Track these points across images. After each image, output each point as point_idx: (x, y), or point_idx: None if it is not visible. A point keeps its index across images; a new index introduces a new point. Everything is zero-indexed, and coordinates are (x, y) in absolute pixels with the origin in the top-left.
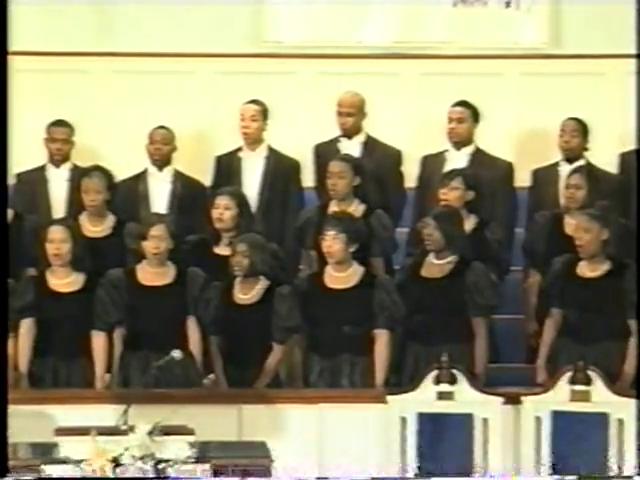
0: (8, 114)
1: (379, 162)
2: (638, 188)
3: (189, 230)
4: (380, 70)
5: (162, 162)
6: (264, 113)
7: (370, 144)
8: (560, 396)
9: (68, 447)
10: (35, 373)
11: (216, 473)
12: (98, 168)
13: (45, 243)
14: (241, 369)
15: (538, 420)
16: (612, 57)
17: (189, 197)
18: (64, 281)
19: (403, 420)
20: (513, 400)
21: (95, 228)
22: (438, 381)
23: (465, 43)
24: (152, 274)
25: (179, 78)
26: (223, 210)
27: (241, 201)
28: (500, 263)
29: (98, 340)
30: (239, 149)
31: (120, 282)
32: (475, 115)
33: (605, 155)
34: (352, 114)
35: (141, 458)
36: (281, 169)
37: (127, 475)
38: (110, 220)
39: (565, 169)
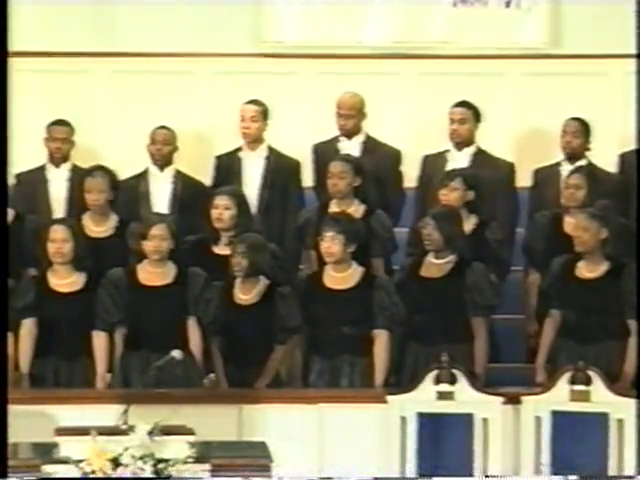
0: (8, 114)
1: (379, 162)
2: (638, 188)
3: (190, 230)
4: (380, 70)
5: (163, 162)
6: (264, 113)
7: (370, 144)
8: (560, 396)
9: (68, 447)
10: (36, 373)
11: (216, 473)
12: (101, 168)
13: (47, 243)
14: (241, 369)
15: (538, 420)
16: (612, 57)
17: (190, 197)
18: (65, 281)
19: (403, 420)
20: (513, 400)
21: (98, 228)
22: (438, 381)
23: (465, 43)
24: (153, 274)
25: (179, 78)
26: (222, 210)
27: (240, 201)
28: (500, 263)
29: (99, 340)
30: (239, 149)
31: (121, 282)
32: (476, 115)
33: (606, 155)
34: (352, 116)
35: (141, 458)
36: (281, 169)
37: (127, 475)
38: (113, 220)
39: (566, 169)
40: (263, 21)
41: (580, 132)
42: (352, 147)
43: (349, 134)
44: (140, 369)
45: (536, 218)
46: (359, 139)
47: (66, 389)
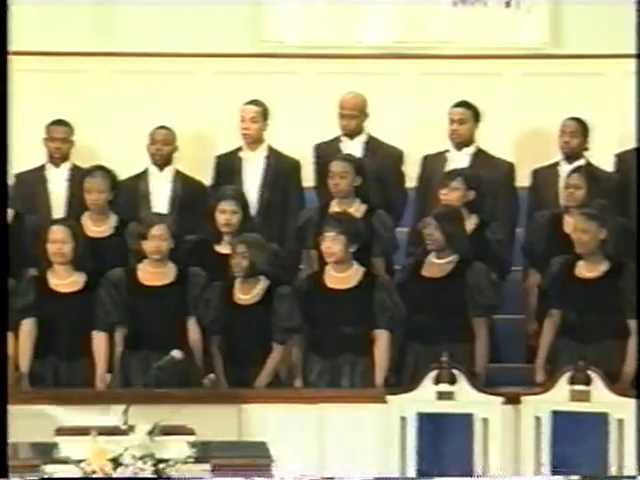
0: (8, 114)
1: (381, 162)
2: (638, 188)
3: (190, 230)
4: (380, 70)
5: (163, 162)
6: (264, 114)
7: (372, 144)
8: (560, 396)
9: (68, 447)
10: (36, 373)
11: (216, 473)
12: (101, 168)
13: (46, 243)
14: (241, 369)
15: (538, 420)
16: (612, 57)
17: (190, 197)
18: (65, 281)
19: (403, 420)
20: (513, 400)
21: (98, 228)
22: (438, 381)
23: (465, 43)
24: (153, 274)
25: (179, 78)
26: (230, 215)
27: (244, 203)
28: (501, 263)
29: (99, 340)
30: (239, 149)
31: (121, 282)
32: (476, 115)
33: (605, 155)
34: (354, 116)
35: (141, 458)
36: (281, 169)
37: (127, 475)
38: (113, 220)
39: (565, 169)
40: (263, 21)
41: (578, 132)
42: (354, 147)
43: (351, 134)
44: (140, 369)
45: (536, 218)
46: (361, 139)
47: (66, 389)
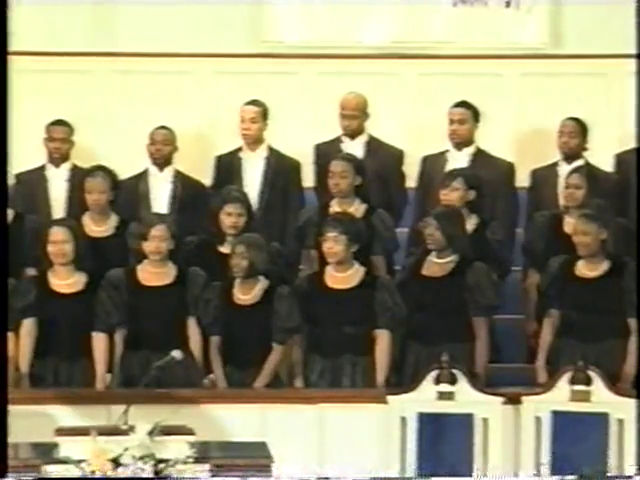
0: (8, 114)
1: (382, 162)
2: (638, 187)
3: (190, 230)
4: (380, 70)
5: (163, 162)
6: (264, 114)
7: (373, 144)
8: (560, 396)
9: (68, 447)
10: (36, 373)
11: (216, 473)
12: (101, 168)
13: (47, 244)
14: (241, 369)
15: (538, 420)
16: (612, 57)
17: (190, 197)
18: (65, 282)
19: (403, 420)
20: (513, 400)
21: (98, 228)
22: (438, 381)
23: (465, 43)
24: (153, 274)
25: (179, 78)
26: (237, 218)
27: (249, 205)
28: (501, 263)
29: (99, 340)
30: (239, 149)
31: (120, 282)
32: (476, 115)
33: (605, 155)
34: (355, 116)
35: (141, 458)
36: (281, 169)
37: (127, 475)
38: (113, 220)
39: (564, 169)
40: (263, 21)
41: (577, 132)
42: (355, 147)
43: (353, 134)
44: (140, 369)
45: (535, 218)
46: (362, 139)
47: (66, 389)
